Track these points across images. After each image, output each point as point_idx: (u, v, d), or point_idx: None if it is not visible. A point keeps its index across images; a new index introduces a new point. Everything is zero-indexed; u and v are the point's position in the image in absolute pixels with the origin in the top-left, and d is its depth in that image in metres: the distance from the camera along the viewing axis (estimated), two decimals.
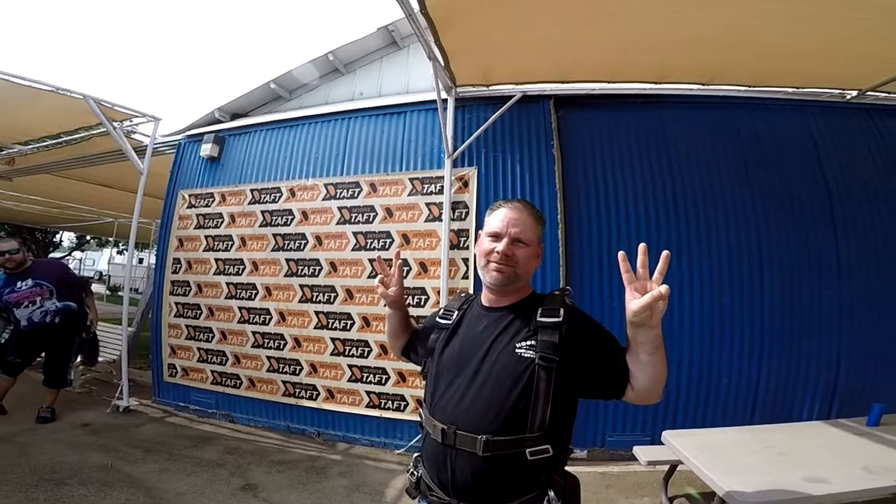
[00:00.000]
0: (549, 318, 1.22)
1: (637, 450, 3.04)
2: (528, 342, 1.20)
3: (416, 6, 2.73)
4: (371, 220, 4.50)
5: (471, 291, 1.52)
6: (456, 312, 1.42)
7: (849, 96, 3.93)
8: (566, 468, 1.24)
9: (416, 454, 1.38)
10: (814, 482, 2.05)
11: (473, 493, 1.16)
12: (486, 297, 1.39)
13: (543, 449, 1.14)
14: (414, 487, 1.33)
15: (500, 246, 1.28)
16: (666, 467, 2.98)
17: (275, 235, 4.86)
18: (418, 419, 1.39)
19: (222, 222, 5.17)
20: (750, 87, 3.88)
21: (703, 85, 3.84)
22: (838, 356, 3.79)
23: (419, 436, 1.50)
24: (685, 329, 3.90)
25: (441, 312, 1.47)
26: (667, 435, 2.75)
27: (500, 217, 1.33)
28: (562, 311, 1.23)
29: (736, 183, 4.07)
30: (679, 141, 4.20)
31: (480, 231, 1.41)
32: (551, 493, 1.14)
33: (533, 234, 1.32)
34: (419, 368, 1.49)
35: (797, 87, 3.87)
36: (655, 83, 3.93)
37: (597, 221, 4.13)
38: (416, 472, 1.34)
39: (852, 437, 2.71)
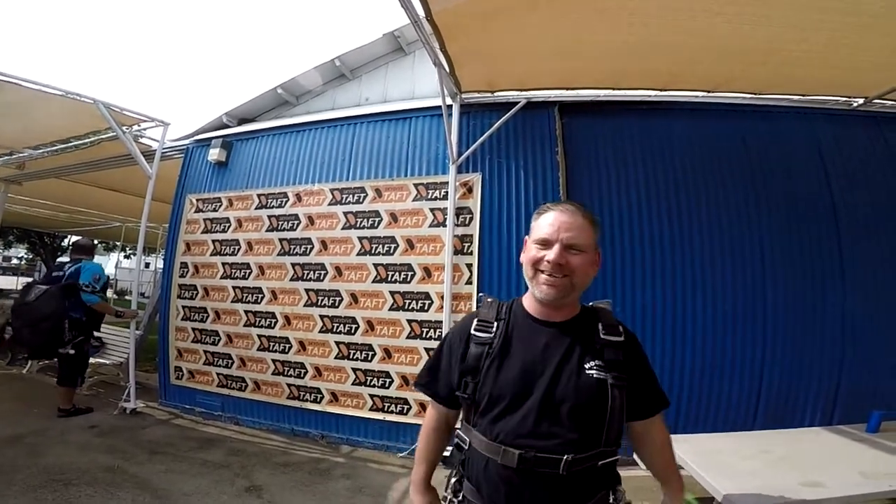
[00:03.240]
0: (613, 337, 1.22)
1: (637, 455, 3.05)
2: (596, 362, 1.18)
3: (421, 12, 2.77)
4: (376, 225, 4.55)
5: (489, 298, 1.38)
6: (495, 324, 1.28)
7: (855, 104, 3.94)
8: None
9: (453, 479, 1.29)
10: (809, 486, 2.06)
11: None
12: (536, 309, 1.27)
13: (614, 460, 1.19)
14: None
15: (552, 254, 1.17)
16: None
17: (281, 240, 4.92)
18: (456, 441, 1.30)
19: (229, 227, 5.23)
20: (755, 94, 3.90)
21: (709, 92, 3.87)
22: (841, 363, 3.78)
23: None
24: (688, 334, 3.91)
25: (475, 324, 1.30)
26: None
27: (549, 221, 1.21)
28: (621, 328, 1.25)
29: (741, 190, 4.08)
30: (684, 148, 4.22)
31: (526, 237, 1.29)
32: (620, 488, 1.21)
33: (589, 239, 1.22)
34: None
35: (803, 95, 3.89)
36: (660, 91, 3.96)
37: (600, 228, 4.13)
38: (455, 500, 1.27)
39: (851, 442, 2.71)
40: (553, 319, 1.25)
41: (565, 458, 1.09)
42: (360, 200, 4.66)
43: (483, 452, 1.18)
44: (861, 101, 3.88)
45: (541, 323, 1.25)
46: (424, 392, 1.42)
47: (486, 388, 1.20)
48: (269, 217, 5.03)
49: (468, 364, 1.25)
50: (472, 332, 1.29)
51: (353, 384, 4.38)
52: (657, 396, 1.30)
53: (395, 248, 4.43)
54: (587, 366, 1.17)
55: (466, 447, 1.24)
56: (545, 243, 1.19)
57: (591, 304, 1.33)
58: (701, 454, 2.46)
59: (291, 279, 4.79)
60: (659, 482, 1.37)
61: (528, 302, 1.30)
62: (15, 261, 33.32)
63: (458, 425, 1.36)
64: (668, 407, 1.32)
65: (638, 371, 1.24)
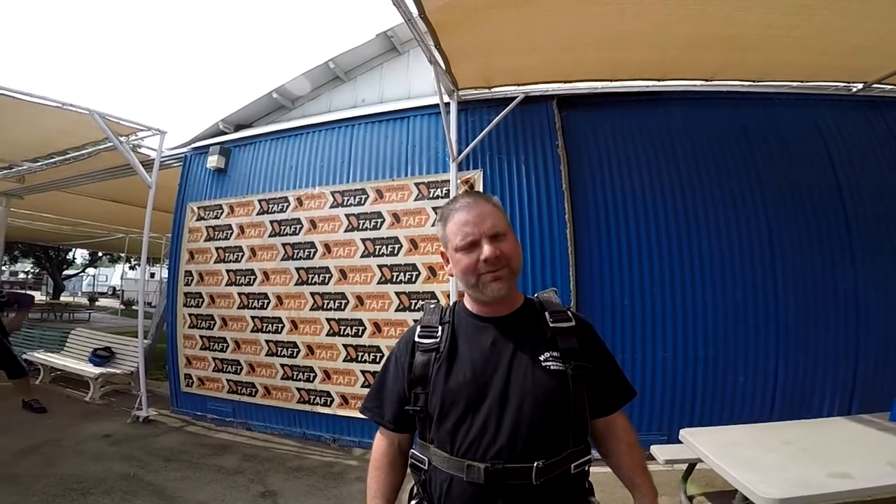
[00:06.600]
0: (563, 323, 1.15)
1: (655, 449, 3.03)
2: (551, 353, 1.10)
3: (414, 11, 2.75)
4: (379, 226, 4.53)
5: (431, 303, 1.33)
6: (440, 328, 1.21)
7: (854, 89, 3.90)
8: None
9: (413, 501, 1.17)
10: (837, 478, 2.02)
11: None
12: (478, 308, 1.20)
13: (585, 460, 1.09)
14: None
15: (485, 251, 1.09)
16: (684, 466, 2.96)
17: (284, 245, 4.91)
18: (412, 462, 1.19)
19: (232, 234, 5.22)
20: (754, 82, 3.85)
21: (707, 81, 3.82)
22: (856, 350, 3.74)
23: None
24: (698, 326, 3.88)
25: (419, 331, 1.23)
26: (685, 433, 2.74)
27: (462, 222, 1.14)
28: (570, 313, 1.18)
29: (744, 177, 4.05)
30: (684, 137, 4.19)
31: (442, 251, 1.23)
32: (594, 500, 1.13)
33: (505, 220, 1.16)
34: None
35: (802, 81, 3.85)
36: (658, 80, 3.92)
37: (605, 220, 4.12)
38: None
39: (875, 432, 2.66)
40: (497, 315, 1.18)
41: (536, 464, 1.01)
42: (362, 202, 4.64)
43: (445, 470, 1.08)
44: (860, 85, 3.84)
45: (484, 320, 1.18)
46: (370, 417, 1.28)
47: (437, 395, 1.12)
48: (272, 222, 5.02)
49: (416, 374, 1.17)
50: (416, 339, 1.21)
51: (362, 387, 4.37)
52: (620, 387, 1.21)
53: (399, 249, 4.41)
54: (542, 358, 1.10)
55: (425, 467, 1.13)
56: (473, 245, 1.12)
57: (535, 295, 1.26)
58: (721, 447, 2.43)
59: (296, 284, 4.79)
60: (627, 488, 1.20)
61: (470, 303, 1.23)
62: (21, 275, 33.50)
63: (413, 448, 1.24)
64: (634, 397, 1.22)
65: (596, 359, 1.15)
